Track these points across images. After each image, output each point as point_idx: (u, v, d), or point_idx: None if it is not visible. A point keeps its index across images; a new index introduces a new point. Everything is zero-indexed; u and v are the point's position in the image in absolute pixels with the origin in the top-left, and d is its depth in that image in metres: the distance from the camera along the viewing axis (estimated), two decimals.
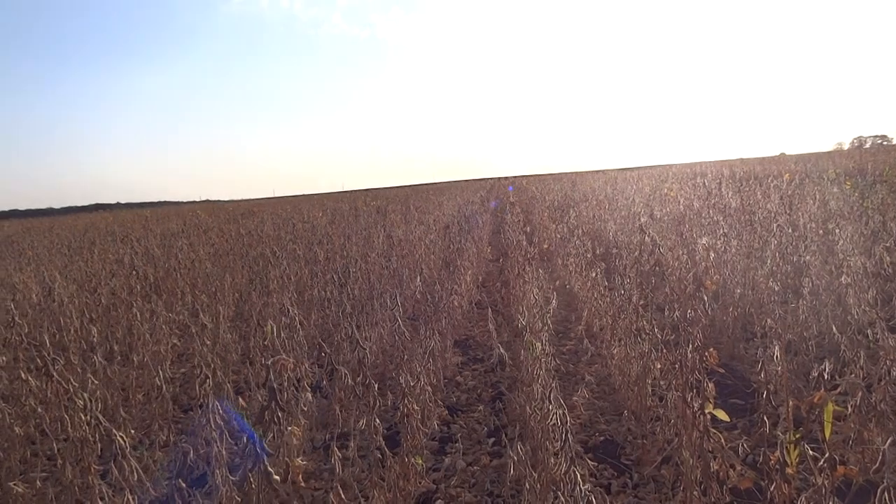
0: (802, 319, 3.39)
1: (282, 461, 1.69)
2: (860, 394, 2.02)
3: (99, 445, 1.96)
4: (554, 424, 1.82)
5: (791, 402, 2.01)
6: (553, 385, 2.08)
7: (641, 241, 4.09)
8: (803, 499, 1.52)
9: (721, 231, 5.42)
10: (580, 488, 1.33)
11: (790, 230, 5.19)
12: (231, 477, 1.59)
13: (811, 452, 1.55)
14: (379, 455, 2.08)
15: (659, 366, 2.71)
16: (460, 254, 5.92)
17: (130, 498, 1.54)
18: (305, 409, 2.83)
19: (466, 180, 61.80)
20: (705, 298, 2.86)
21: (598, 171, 32.88)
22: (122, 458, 1.61)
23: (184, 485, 1.91)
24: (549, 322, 3.13)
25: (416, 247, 6.57)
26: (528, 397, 2.63)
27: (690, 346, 2.26)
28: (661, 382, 2.69)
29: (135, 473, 1.62)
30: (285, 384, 2.60)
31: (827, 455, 1.47)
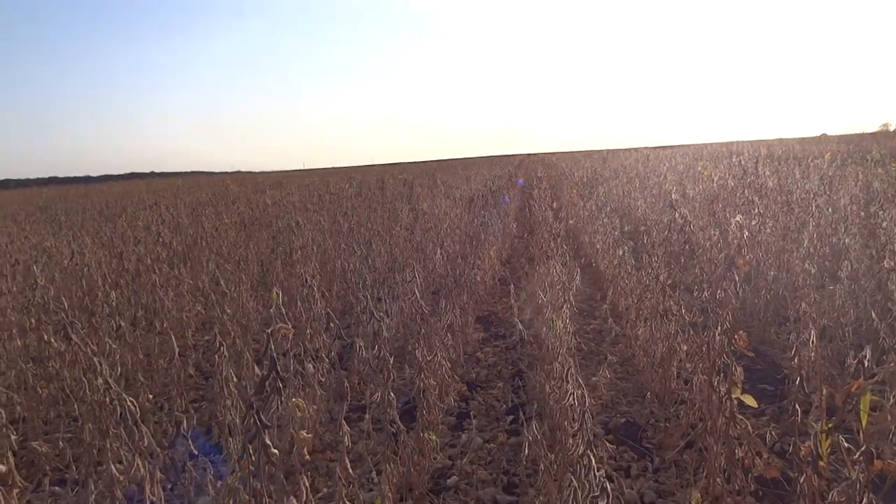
0: (839, 304, 3.24)
1: (286, 433, 1.66)
2: None
3: (118, 409, 1.97)
4: (572, 405, 1.75)
5: (825, 390, 1.91)
6: (572, 364, 2.01)
7: (672, 219, 3.95)
8: (835, 493, 1.44)
9: (756, 211, 5.22)
10: (594, 473, 1.27)
11: (830, 211, 4.97)
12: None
13: (845, 444, 1.46)
14: (392, 429, 2.05)
15: (685, 348, 2.61)
16: (485, 229, 5.84)
17: (140, 463, 1.53)
18: (323, 380, 2.81)
19: (495, 156, 61.31)
20: (736, 279, 2.73)
21: (630, 149, 32.23)
22: (132, 423, 1.61)
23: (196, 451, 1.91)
24: (571, 299, 3.05)
25: (441, 221, 6.51)
26: (548, 375, 2.57)
27: (719, 328, 2.16)
28: (687, 365, 2.60)
29: (145, 439, 1.62)
30: (301, 354, 2.59)
31: (863, 448, 1.38)
